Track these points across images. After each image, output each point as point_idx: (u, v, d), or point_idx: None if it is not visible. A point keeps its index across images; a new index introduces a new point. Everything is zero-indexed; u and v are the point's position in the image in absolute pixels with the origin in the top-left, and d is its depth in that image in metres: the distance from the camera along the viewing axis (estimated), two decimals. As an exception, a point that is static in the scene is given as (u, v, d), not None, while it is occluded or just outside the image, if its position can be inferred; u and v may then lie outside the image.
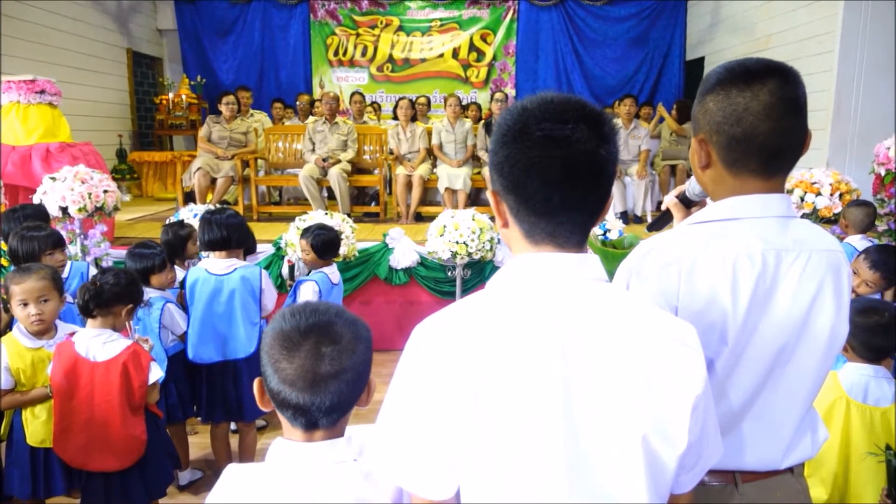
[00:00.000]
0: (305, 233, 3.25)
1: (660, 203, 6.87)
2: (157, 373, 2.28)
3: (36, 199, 4.16)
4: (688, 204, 1.38)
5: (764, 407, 1.10)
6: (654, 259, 1.08)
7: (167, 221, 3.84)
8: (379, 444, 0.89)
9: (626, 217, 6.35)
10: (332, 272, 3.25)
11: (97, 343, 2.18)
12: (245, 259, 2.94)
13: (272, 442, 1.06)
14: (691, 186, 1.34)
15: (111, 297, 2.19)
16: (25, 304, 2.22)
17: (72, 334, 2.37)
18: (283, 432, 1.08)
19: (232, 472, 1.06)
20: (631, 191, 6.52)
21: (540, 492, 0.81)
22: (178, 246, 3.28)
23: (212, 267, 2.80)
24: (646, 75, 9.45)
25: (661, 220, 1.49)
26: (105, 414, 2.18)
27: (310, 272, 3.26)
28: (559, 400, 0.81)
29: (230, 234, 2.77)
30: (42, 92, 4.94)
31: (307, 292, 3.12)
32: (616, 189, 6.33)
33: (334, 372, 1.00)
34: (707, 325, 1.04)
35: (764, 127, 1.04)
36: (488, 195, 0.94)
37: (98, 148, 5.54)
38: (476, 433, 0.81)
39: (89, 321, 2.21)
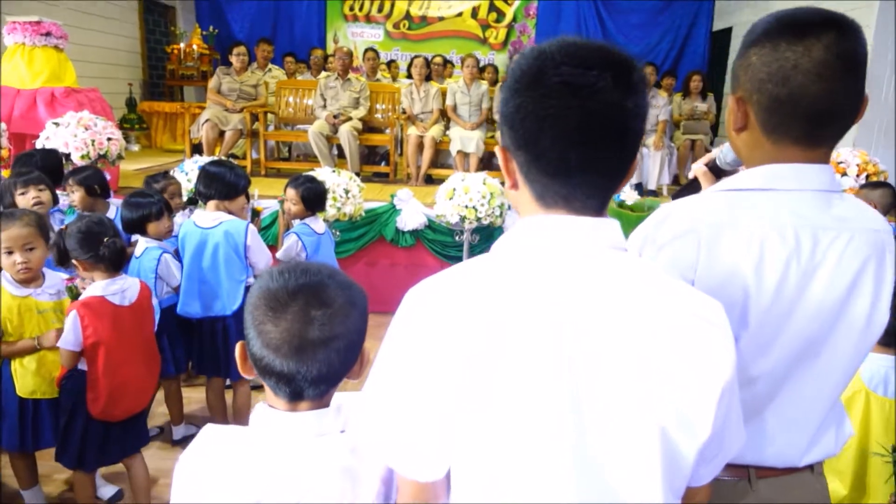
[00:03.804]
0: (294, 182, 3.19)
1: (676, 177, 6.70)
2: None
3: (39, 145, 4.08)
4: (718, 173, 1.26)
5: (789, 398, 1.00)
6: (672, 226, 0.98)
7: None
8: (364, 416, 0.81)
9: (640, 189, 6.20)
10: (314, 222, 3.22)
11: (121, 288, 2.19)
12: (248, 203, 2.90)
13: (257, 405, 0.98)
14: (723, 154, 1.22)
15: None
16: (10, 253, 2.14)
17: (70, 282, 2.30)
18: (266, 397, 1.00)
19: (210, 433, 0.98)
20: (647, 162, 6.35)
21: (540, 480, 0.73)
22: None
23: (199, 220, 2.74)
24: (670, 44, 9.16)
25: (688, 189, 1.38)
26: (144, 352, 2.27)
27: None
28: (563, 379, 0.72)
29: (208, 185, 2.71)
30: (48, 34, 4.81)
31: (289, 245, 3.11)
32: (632, 159, 6.15)
33: (324, 338, 0.91)
34: (725, 303, 0.93)
35: (814, 88, 0.91)
36: (497, 151, 0.84)
37: (108, 96, 5.44)
38: (468, 410, 0.73)
39: (106, 273, 2.16)
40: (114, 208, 3.28)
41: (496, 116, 6.10)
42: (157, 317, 2.56)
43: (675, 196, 1.47)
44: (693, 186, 1.36)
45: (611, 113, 0.74)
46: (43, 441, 2.25)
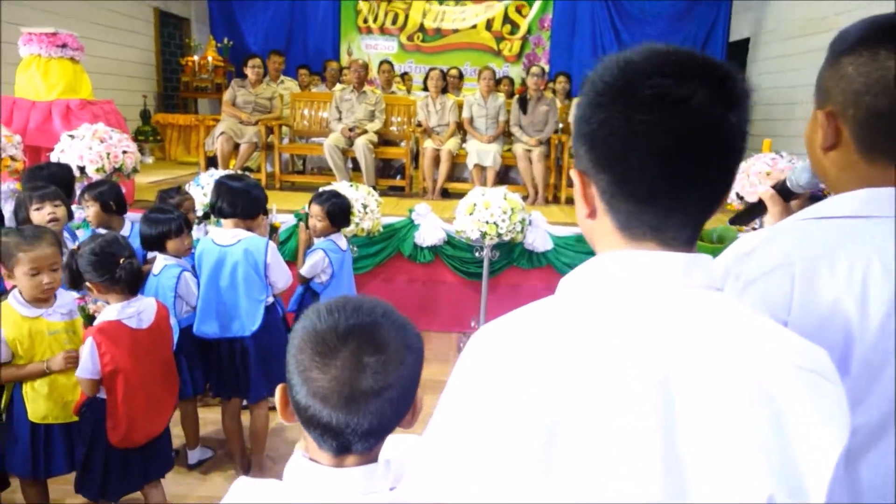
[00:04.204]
0: (318, 198, 3.12)
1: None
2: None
3: (54, 157, 4.04)
4: (787, 196, 1.16)
5: (888, 449, 0.89)
6: (760, 260, 0.87)
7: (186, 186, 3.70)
8: (422, 480, 0.71)
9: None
10: (339, 238, 3.16)
11: (137, 311, 2.10)
12: (266, 219, 2.83)
13: (293, 456, 0.88)
14: (796, 175, 1.12)
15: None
16: (36, 273, 2.05)
17: (81, 301, 2.22)
18: (304, 445, 0.90)
19: (243, 488, 0.88)
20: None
21: None
22: None
23: (218, 237, 2.65)
24: (686, 56, 9.05)
25: (749, 213, 1.27)
26: (162, 375, 2.19)
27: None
28: (658, 441, 0.62)
29: (223, 202, 2.60)
30: (64, 46, 4.77)
31: (315, 262, 3.03)
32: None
33: (377, 388, 0.80)
34: (825, 347, 0.83)
35: None
36: (572, 175, 0.74)
37: (122, 108, 5.40)
38: (547, 479, 0.63)
39: (121, 295, 2.07)
40: (129, 224, 3.20)
41: (514, 130, 6.07)
42: (176, 336, 2.48)
43: (734, 221, 1.36)
44: (755, 210, 1.25)
45: (712, 129, 0.65)
46: (55, 468, 2.15)
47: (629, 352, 0.64)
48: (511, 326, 0.70)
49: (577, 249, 4.49)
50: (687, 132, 0.64)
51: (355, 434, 0.81)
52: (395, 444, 0.89)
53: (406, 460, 0.85)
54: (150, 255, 2.90)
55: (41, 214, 2.67)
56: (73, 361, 2.07)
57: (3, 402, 2.14)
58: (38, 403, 2.09)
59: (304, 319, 0.84)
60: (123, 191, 4.25)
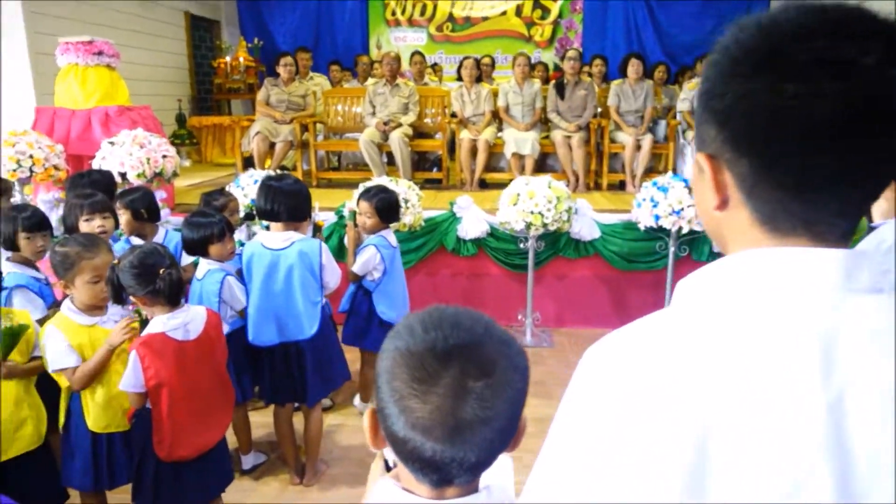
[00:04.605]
0: (366, 195, 3.05)
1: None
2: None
3: (95, 164, 4.05)
4: None
5: None
6: None
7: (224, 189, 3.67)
8: None
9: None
10: (390, 234, 3.09)
11: (183, 322, 2.03)
12: (310, 219, 2.77)
13: (381, 482, 0.80)
14: None
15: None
16: (97, 281, 2.04)
17: (135, 306, 2.19)
18: (380, 465, 0.82)
19: None
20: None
21: None
22: None
23: (268, 241, 2.59)
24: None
25: None
26: (215, 386, 2.12)
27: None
28: (827, 485, 0.52)
29: (276, 206, 2.52)
30: (100, 53, 4.80)
31: (367, 258, 2.97)
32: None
33: (484, 417, 0.71)
34: None
35: None
36: (700, 159, 0.63)
37: (157, 113, 5.42)
38: (695, 494, 0.54)
39: (165, 307, 2.00)
40: (162, 231, 3.17)
41: (551, 116, 5.92)
42: (223, 343, 2.44)
43: None
44: None
45: (884, 96, 0.54)
46: (119, 478, 2.13)
47: (790, 369, 0.54)
48: (636, 340, 0.60)
49: (626, 237, 4.35)
50: (853, 101, 0.53)
51: (460, 468, 0.72)
52: (495, 468, 0.80)
53: (509, 487, 0.77)
54: (184, 262, 2.87)
55: (90, 226, 2.65)
56: (130, 332, 2.03)
57: (61, 416, 2.12)
58: (98, 413, 2.06)
59: (395, 338, 0.75)
60: (164, 195, 4.27)
